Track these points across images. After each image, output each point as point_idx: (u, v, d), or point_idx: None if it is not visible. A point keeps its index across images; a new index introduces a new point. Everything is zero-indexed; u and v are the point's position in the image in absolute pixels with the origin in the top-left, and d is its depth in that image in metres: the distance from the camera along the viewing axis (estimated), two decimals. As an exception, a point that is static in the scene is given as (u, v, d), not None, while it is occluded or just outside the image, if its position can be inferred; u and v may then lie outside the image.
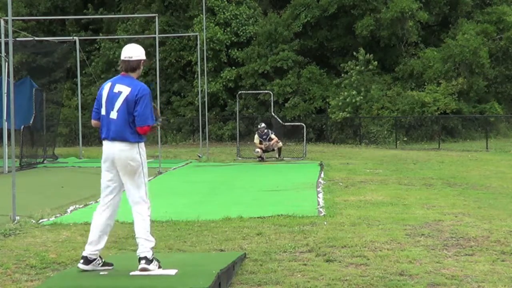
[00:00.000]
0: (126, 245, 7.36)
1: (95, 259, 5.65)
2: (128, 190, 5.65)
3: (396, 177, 14.40)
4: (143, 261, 5.48)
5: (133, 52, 5.69)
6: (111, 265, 5.72)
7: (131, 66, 5.67)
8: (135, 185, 5.60)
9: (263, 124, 20.69)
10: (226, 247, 7.14)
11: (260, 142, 20.31)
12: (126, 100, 5.55)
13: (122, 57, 5.71)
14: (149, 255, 5.49)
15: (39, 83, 21.54)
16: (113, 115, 5.60)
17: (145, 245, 5.51)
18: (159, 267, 5.55)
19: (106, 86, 5.72)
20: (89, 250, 5.65)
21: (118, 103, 5.58)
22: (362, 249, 6.86)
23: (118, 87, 5.63)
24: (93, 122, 5.89)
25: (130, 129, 5.56)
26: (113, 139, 5.60)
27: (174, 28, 34.81)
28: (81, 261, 5.67)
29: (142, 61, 5.73)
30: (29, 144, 19.84)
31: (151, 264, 5.47)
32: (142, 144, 5.67)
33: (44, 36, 29.80)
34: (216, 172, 17.17)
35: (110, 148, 5.62)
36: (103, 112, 5.68)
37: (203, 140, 23.65)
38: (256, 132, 20.77)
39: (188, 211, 9.79)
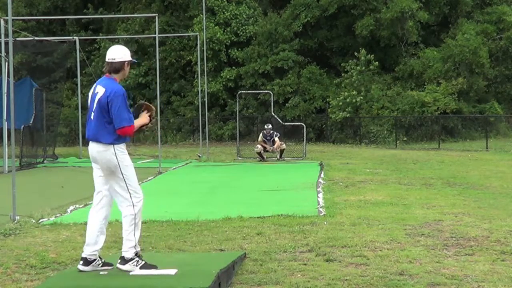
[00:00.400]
0: (126, 245, 7.35)
1: (94, 260, 5.66)
2: (112, 190, 5.66)
3: (396, 177, 14.40)
4: (118, 261, 5.57)
5: (116, 53, 5.68)
6: (111, 265, 5.72)
7: (114, 67, 5.67)
8: (118, 186, 5.60)
9: (269, 125, 20.89)
10: (226, 247, 7.14)
11: (264, 142, 20.53)
12: (99, 101, 5.58)
13: (106, 59, 5.72)
14: (127, 254, 5.53)
15: (39, 83, 21.56)
16: (92, 115, 5.67)
17: (125, 244, 5.57)
18: (142, 266, 5.52)
19: (93, 87, 5.79)
20: (88, 251, 5.66)
21: (94, 104, 5.64)
22: (362, 249, 6.86)
23: (98, 88, 5.68)
24: None
25: (105, 130, 5.55)
26: (91, 139, 5.69)
27: (174, 28, 34.82)
28: (81, 262, 5.68)
29: (126, 62, 5.70)
30: (29, 144, 19.85)
31: (126, 264, 5.51)
32: (119, 146, 5.60)
33: (44, 36, 29.81)
34: (216, 172, 17.17)
35: (90, 148, 5.71)
36: (89, 112, 5.78)
37: (203, 140, 23.65)
38: (262, 132, 20.98)
39: (188, 211, 9.78)
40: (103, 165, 5.61)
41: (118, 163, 5.56)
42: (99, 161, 5.62)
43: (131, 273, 5.46)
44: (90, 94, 5.79)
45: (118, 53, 5.68)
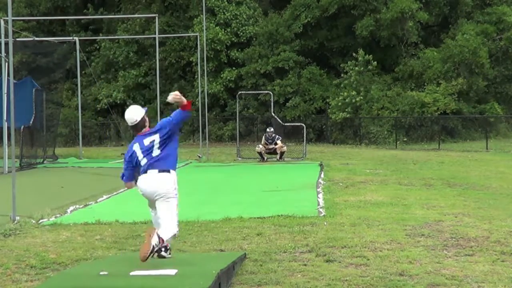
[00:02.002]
0: (126, 245, 7.36)
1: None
2: None
3: (396, 177, 14.40)
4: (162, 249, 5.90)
5: (134, 115, 6.14)
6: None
7: (140, 126, 6.17)
8: None
9: (271, 129, 21.25)
10: (226, 247, 7.14)
11: (265, 144, 20.86)
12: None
13: (129, 124, 6.18)
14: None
15: (39, 83, 21.57)
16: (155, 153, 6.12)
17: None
18: (161, 253, 5.83)
19: (136, 145, 6.15)
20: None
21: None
22: (362, 249, 6.86)
23: (148, 140, 6.09)
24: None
25: None
26: None
27: (174, 29, 34.81)
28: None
29: (145, 115, 6.18)
30: (29, 144, 19.85)
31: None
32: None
33: (44, 36, 29.80)
34: (216, 172, 17.17)
35: None
36: (143, 160, 6.11)
37: (203, 140, 23.66)
38: (264, 135, 21.37)
39: (188, 211, 9.77)
40: None
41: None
42: None
43: (131, 274, 5.45)
44: (137, 148, 6.18)
45: (136, 114, 6.16)
